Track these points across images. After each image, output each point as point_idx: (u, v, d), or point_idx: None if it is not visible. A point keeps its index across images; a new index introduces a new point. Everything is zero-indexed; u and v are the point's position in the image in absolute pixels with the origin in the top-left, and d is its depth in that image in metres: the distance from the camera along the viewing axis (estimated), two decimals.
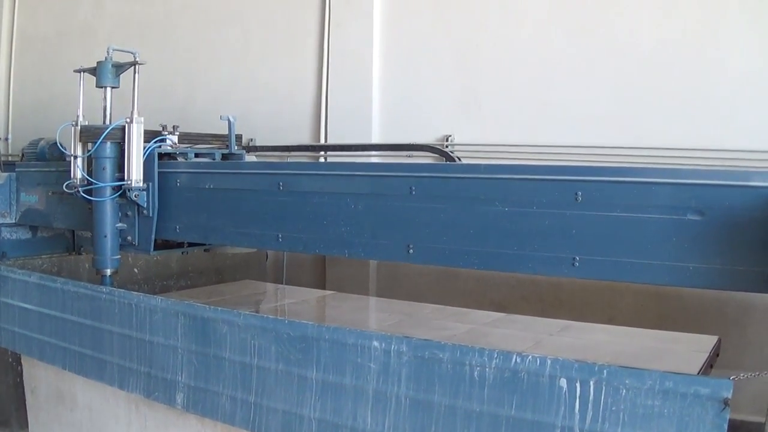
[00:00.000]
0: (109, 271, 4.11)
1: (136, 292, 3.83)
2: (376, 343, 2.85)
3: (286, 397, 3.11)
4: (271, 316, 3.26)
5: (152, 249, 4.07)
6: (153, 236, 4.04)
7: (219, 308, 3.37)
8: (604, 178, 2.79)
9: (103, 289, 3.90)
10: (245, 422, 3.26)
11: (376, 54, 5.94)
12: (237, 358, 3.26)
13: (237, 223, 3.81)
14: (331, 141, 6.13)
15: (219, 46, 6.88)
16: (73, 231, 5.28)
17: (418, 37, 5.82)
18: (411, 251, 3.20)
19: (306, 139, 6.29)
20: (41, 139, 5.27)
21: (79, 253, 5.32)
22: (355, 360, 2.90)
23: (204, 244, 4.34)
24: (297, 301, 4.81)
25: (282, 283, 5.81)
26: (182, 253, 4.49)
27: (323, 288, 5.69)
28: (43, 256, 5.08)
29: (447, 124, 5.62)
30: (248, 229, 3.78)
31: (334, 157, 6.06)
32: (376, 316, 4.63)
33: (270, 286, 5.36)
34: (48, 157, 5.08)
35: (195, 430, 3.66)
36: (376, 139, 5.89)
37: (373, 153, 5.83)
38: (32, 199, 4.94)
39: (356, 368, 2.90)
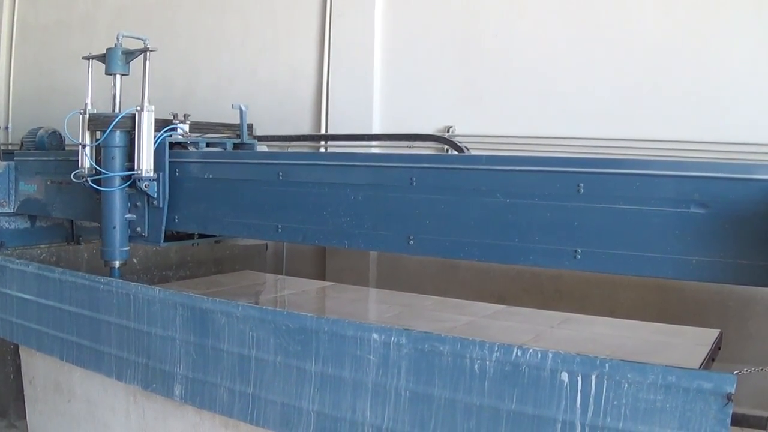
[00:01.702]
0: (117, 263, 4.06)
1: (134, 283, 3.81)
2: (375, 336, 2.83)
3: (284, 389, 3.09)
4: (270, 308, 3.23)
5: (162, 241, 4.01)
6: (163, 227, 3.98)
7: (218, 299, 3.35)
8: (606, 170, 2.77)
9: (101, 279, 3.87)
10: (243, 414, 3.24)
11: (378, 44, 5.91)
12: (235, 349, 3.24)
13: (236, 213, 3.79)
14: (331, 132, 6.09)
15: (219, 36, 6.84)
16: (72, 221, 5.26)
17: (419, 28, 5.78)
18: (411, 242, 3.18)
19: (306, 130, 6.25)
20: (40, 128, 5.25)
21: (78, 243, 5.30)
22: (355, 352, 2.88)
23: (213, 235, 4.29)
24: (296, 292, 4.79)
25: (282, 274, 5.80)
26: (193, 244, 4.45)
27: (323, 279, 5.66)
28: (41, 246, 5.06)
29: (448, 115, 5.59)
30: (247, 219, 3.75)
31: (335, 148, 6.03)
32: (376, 307, 4.61)
33: (269, 277, 5.33)
34: (47, 146, 5.08)
35: (193, 422, 3.65)
36: (377, 131, 5.86)
37: (376, 143, 5.79)
38: (31, 188, 4.92)
39: (355, 361, 2.88)
